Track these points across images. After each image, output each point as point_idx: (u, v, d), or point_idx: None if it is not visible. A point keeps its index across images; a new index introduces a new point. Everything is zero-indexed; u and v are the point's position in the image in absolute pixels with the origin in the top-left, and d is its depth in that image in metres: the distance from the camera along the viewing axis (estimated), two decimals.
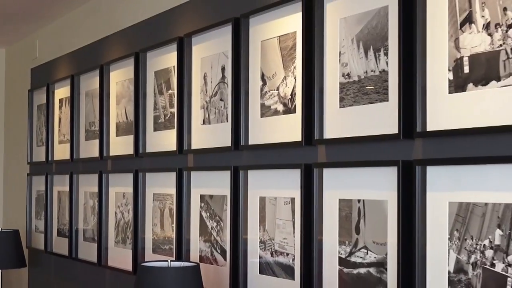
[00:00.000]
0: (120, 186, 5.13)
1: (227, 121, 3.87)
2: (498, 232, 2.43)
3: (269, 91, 3.59)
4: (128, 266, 4.88)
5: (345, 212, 3.09)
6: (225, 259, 3.90)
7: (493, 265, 2.44)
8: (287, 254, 3.43)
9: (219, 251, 3.97)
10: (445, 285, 2.61)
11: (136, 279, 3.53)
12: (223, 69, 3.95)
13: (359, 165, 3.02)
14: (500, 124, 2.40)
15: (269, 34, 3.59)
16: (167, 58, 4.51)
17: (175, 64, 4.37)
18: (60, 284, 6.26)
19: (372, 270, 2.94)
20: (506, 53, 2.40)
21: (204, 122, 4.13)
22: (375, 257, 2.93)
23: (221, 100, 3.96)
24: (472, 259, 2.52)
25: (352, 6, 3.07)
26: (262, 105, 3.63)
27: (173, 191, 4.39)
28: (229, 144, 3.80)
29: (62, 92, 6.19)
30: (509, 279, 2.38)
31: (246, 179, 3.73)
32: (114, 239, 5.21)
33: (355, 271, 3.04)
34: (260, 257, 3.64)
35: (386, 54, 2.89)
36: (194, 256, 4.20)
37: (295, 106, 3.38)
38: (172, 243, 4.41)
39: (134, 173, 4.81)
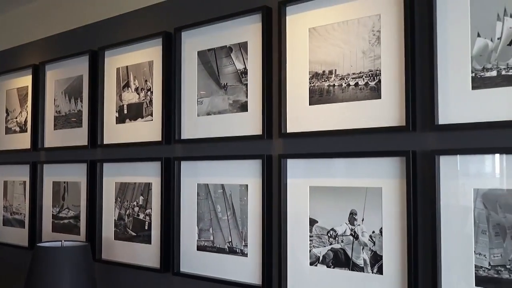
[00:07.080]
0: None
1: None
2: (141, 197, 2.37)
3: (11, 119, 3.19)
4: None
5: (57, 189, 2.84)
6: None
7: (138, 215, 2.38)
8: (21, 214, 3.07)
9: None
10: (112, 228, 2.50)
11: None
12: None
13: (65, 162, 2.79)
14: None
15: (12, 86, 3.18)
16: None
17: None
18: None
19: (71, 221, 2.74)
20: (146, 103, 2.36)
21: None
22: (73, 213, 2.72)
23: None
24: (127, 212, 2.43)
25: (63, 73, 2.83)
26: (6, 127, 3.20)
27: None
28: None
29: None
30: (146, 222, 2.34)
31: None
32: None
33: (61, 222, 2.80)
34: (3, 216, 3.21)
35: (81, 100, 2.70)
36: None
37: (27, 128, 3.04)
38: None
39: None
